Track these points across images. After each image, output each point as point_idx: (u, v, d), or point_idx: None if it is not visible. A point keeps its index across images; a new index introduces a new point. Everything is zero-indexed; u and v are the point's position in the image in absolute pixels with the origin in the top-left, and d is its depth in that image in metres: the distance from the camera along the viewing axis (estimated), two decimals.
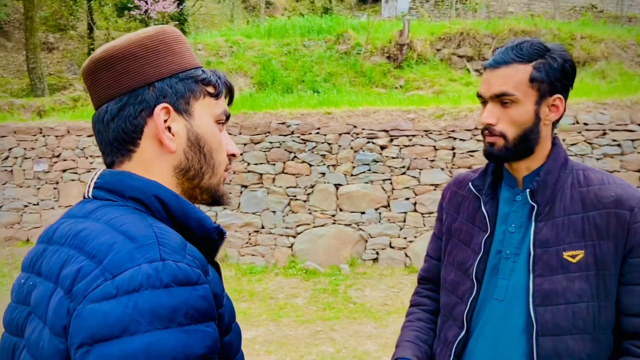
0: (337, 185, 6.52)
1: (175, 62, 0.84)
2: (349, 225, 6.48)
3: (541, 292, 1.20)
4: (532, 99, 1.23)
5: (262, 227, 6.70)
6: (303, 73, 9.30)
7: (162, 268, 0.66)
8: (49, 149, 7.20)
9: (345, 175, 6.50)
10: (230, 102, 0.94)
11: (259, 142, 6.68)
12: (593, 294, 1.18)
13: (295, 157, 6.58)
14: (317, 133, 6.56)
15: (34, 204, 7.26)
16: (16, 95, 13.50)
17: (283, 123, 6.65)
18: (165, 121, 0.82)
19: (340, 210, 6.52)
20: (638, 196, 1.22)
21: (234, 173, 6.73)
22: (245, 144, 6.72)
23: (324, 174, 6.53)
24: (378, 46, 9.62)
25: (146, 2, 14.81)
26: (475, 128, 6.42)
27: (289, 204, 6.63)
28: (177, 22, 16.24)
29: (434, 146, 6.39)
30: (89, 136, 7.15)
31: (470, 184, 1.40)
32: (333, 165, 6.53)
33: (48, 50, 20.14)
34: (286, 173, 6.63)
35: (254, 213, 6.71)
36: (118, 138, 0.81)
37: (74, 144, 7.18)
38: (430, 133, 6.40)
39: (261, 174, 6.68)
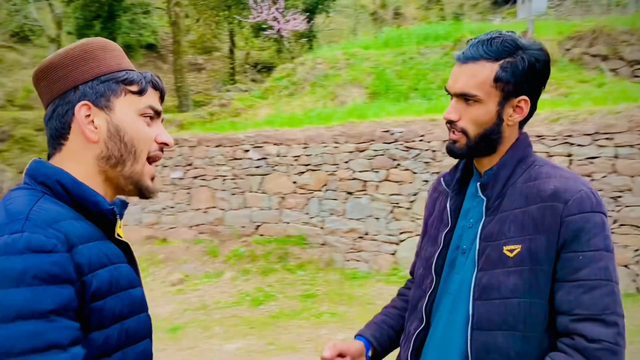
0: None
1: (96, 67, 0.97)
2: None
3: (480, 286, 1.20)
4: (495, 99, 1.20)
5: (366, 234, 6.84)
6: (417, 81, 9.28)
7: (19, 238, 0.79)
8: (183, 158, 8.13)
9: None
10: (161, 101, 1.05)
11: (363, 150, 6.86)
12: (525, 290, 1.15)
13: (398, 164, 6.64)
14: (421, 140, 6.55)
15: (171, 207, 8.24)
16: (170, 111, 15.31)
17: (387, 131, 6.75)
18: (88, 116, 0.95)
19: None
20: (577, 189, 1.16)
21: (340, 180, 6.99)
22: (350, 152, 6.95)
23: (427, 181, 6.49)
24: None
25: (278, 22, 15.89)
26: (596, 132, 5.91)
27: (392, 211, 6.69)
28: (306, 39, 17.16)
29: (547, 152, 6.00)
30: (216, 146, 7.95)
31: (442, 179, 1.41)
32: (437, 173, 6.45)
33: (198, 70, 22.48)
34: (389, 180, 6.71)
35: (358, 219, 6.89)
36: (53, 135, 0.97)
37: (203, 153, 8.02)
38: (543, 138, 6.03)
39: (365, 181, 6.85)
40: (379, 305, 6.43)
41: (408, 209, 6.60)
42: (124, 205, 1.09)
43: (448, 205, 1.33)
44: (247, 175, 7.69)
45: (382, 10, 23.36)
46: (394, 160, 6.67)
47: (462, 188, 1.34)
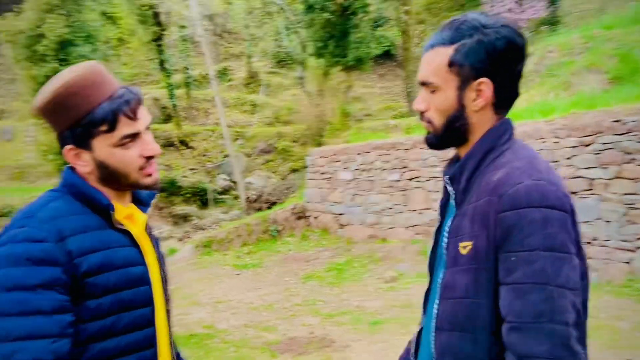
0: None
1: (70, 116, 1.14)
2: None
3: (443, 285, 1.16)
4: (452, 84, 1.14)
5: (594, 239, 6.00)
6: None
7: (20, 231, 1.06)
8: (399, 160, 8.44)
9: None
10: (135, 114, 1.17)
11: (589, 145, 6.05)
12: (474, 290, 1.08)
13: (633, 159, 5.65)
14: None
15: (389, 208, 8.63)
16: (406, 116, 15.88)
17: (618, 121, 5.81)
18: (76, 154, 1.17)
19: None
20: (517, 181, 1.03)
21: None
22: (573, 147, 6.20)
23: None
24: None
25: (514, 13, 14.93)
26: None
27: (625, 214, 5.72)
28: (548, 26, 15.67)
29: None
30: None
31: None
32: None
33: None
34: (622, 178, 5.76)
35: (584, 222, 6.08)
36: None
37: (418, 156, 8.19)
38: None
39: (592, 179, 6.02)
40: (601, 319, 5.66)
41: None
42: (151, 196, 1.34)
43: (440, 201, 1.29)
44: None
45: None
46: (627, 154, 5.70)
47: None
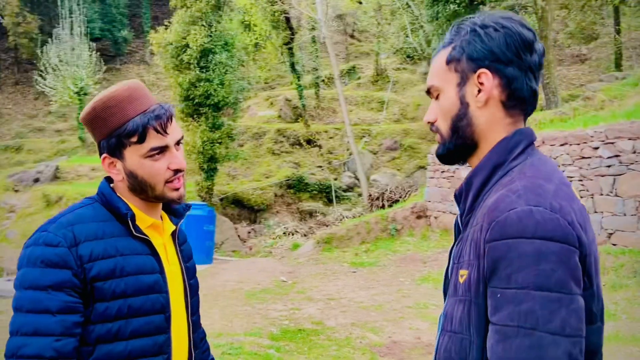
0: None
1: (106, 128, 1.24)
2: None
3: (444, 314, 1.06)
4: (452, 82, 1.06)
5: None
6: None
7: (41, 235, 1.17)
8: None
9: None
10: (165, 129, 1.24)
11: None
12: (466, 325, 0.96)
13: None
14: None
15: None
16: (537, 110, 14.67)
17: None
18: (111, 163, 1.27)
19: None
20: (509, 207, 0.88)
21: None
22: None
23: None
24: None
25: None
26: None
27: None
28: None
29: None
30: (561, 145, 7.34)
31: None
32: None
33: (581, 62, 20.64)
34: None
35: None
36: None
37: (547, 153, 7.51)
38: None
39: None
40: None
41: None
42: (185, 209, 1.39)
43: (455, 218, 1.17)
44: (597, 175, 6.79)
45: None
46: None
47: None
